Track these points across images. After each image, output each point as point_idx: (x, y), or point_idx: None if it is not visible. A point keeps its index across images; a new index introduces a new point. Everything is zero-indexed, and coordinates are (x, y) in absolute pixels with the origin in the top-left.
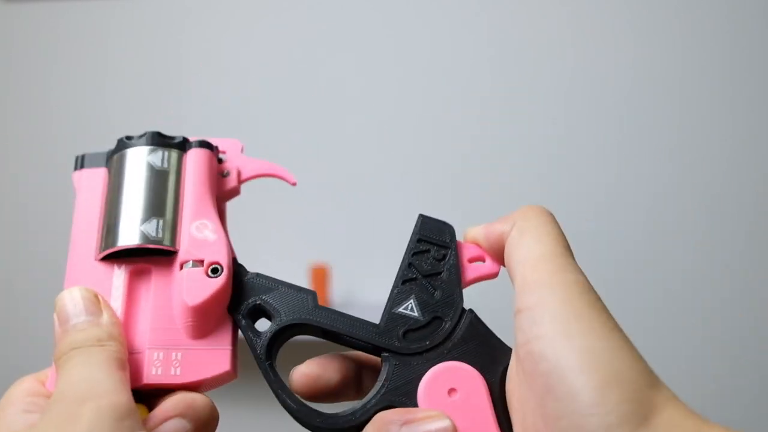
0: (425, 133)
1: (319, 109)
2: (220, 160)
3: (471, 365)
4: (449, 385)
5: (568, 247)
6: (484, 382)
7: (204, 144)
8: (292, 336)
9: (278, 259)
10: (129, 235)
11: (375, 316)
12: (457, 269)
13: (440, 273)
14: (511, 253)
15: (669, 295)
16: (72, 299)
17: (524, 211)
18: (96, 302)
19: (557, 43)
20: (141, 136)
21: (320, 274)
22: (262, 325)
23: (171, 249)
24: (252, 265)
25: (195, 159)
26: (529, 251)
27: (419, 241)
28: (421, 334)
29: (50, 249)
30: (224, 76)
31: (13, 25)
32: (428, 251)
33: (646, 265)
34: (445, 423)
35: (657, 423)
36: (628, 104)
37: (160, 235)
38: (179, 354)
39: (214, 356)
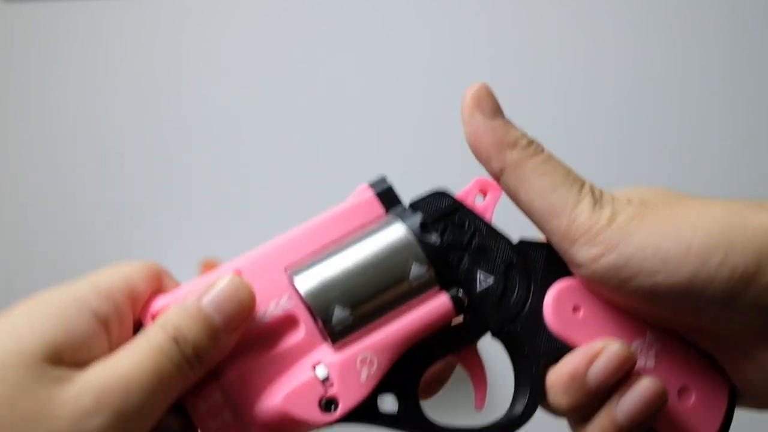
0: (425, 133)
1: (319, 109)
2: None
3: (565, 277)
4: (569, 307)
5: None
6: (582, 283)
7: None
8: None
9: None
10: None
11: None
12: (481, 220)
13: (474, 233)
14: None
15: None
16: (233, 292)
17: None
18: (242, 314)
19: (557, 44)
20: (439, 233)
21: None
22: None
23: (333, 344)
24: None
25: (430, 311)
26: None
27: (434, 223)
28: (510, 290)
29: (50, 249)
30: (224, 76)
31: (13, 25)
32: (447, 226)
33: None
34: (614, 345)
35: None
36: (629, 104)
37: (342, 324)
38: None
39: None
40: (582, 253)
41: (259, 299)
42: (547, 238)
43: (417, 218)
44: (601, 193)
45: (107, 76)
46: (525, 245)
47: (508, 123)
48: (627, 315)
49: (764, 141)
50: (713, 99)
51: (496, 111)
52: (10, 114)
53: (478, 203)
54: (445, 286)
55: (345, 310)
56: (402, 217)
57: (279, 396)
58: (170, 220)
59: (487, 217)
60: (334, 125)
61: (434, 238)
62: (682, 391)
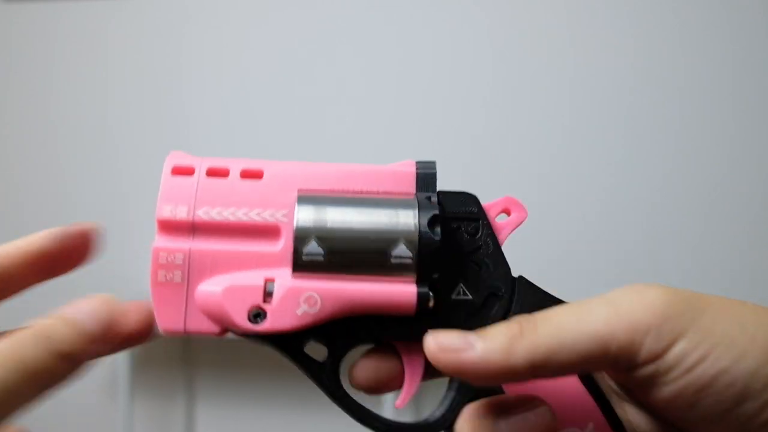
0: (425, 133)
1: (319, 109)
2: None
3: None
4: None
5: None
6: None
7: None
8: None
9: None
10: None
11: None
12: (494, 238)
13: (480, 247)
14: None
15: None
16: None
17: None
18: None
19: (558, 44)
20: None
21: None
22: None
23: (293, 271)
24: None
25: (392, 293)
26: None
27: (449, 219)
28: (483, 315)
29: None
30: (224, 76)
31: (13, 25)
32: (459, 228)
33: (647, 267)
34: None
35: None
36: (630, 105)
37: (310, 258)
38: None
39: None
40: (648, 351)
41: (264, 201)
42: (616, 367)
43: (432, 210)
44: (624, 290)
45: (107, 75)
46: (522, 283)
47: (490, 336)
48: (581, 401)
49: (765, 141)
50: (713, 98)
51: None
52: (10, 114)
53: (500, 221)
54: (421, 280)
55: (319, 248)
56: (421, 203)
57: (222, 286)
58: None
59: (501, 236)
60: (333, 125)
61: (438, 233)
62: None
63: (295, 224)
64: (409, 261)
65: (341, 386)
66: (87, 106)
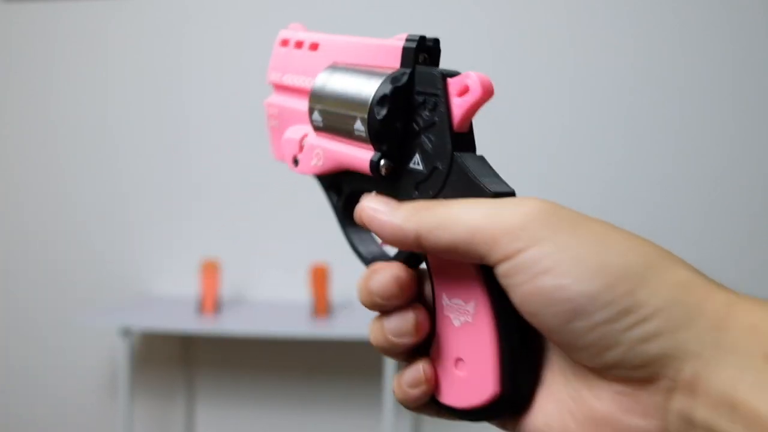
0: None
1: None
2: None
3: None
4: None
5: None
6: None
7: None
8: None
9: (278, 262)
10: None
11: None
12: (446, 115)
13: (434, 123)
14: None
15: None
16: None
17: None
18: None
19: (558, 44)
20: None
21: (320, 274)
22: None
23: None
24: (252, 262)
25: (355, 157)
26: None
27: (417, 94)
28: (427, 185)
29: (50, 249)
30: (224, 76)
31: (13, 25)
32: (424, 103)
33: None
34: (391, 272)
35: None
36: (630, 104)
37: (315, 124)
38: None
39: None
40: (501, 250)
41: (312, 71)
42: (477, 255)
43: (386, 89)
44: (522, 197)
45: (107, 75)
46: (459, 163)
47: (398, 204)
48: (471, 280)
49: (765, 142)
50: (713, 98)
51: (389, 203)
52: (10, 114)
53: (458, 100)
54: (376, 149)
55: (319, 117)
56: (386, 79)
57: (287, 135)
58: (170, 220)
59: (455, 114)
60: None
61: (382, 112)
62: (459, 361)
63: (310, 92)
64: (364, 135)
65: (345, 222)
66: (87, 106)
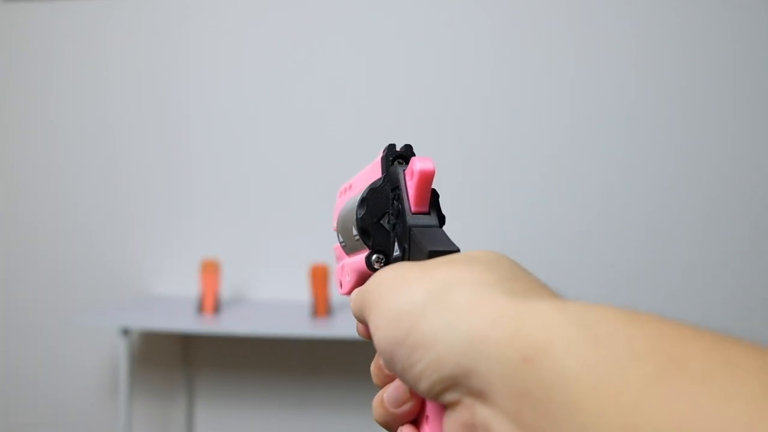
0: (425, 133)
1: (318, 109)
2: None
3: None
4: None
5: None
6: None
7: None
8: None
9: (278, 262)
10: None
11: None
12: (405, 200)
13: (399, 210)
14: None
15: (669, 296)
16: None
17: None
18: None
19: (558, 44)
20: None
21: (320, 274)
22: None
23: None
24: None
25: (358, 261)
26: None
27: (391, 191)
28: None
29: (50, 249)
30: (224, 76)
31: (13, 25)
32: (395, 198)
33: (647, 265)
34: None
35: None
36: (630, 104)
37: (341, 245)
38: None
39: None
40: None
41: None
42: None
43: (365, 192)
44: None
45: (107, 75)
46: (415, 231)
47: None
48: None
49: (765, 142)
50: (713, 98)
51: None
52: (10, 113)
53: (411, 183)
54: (369, 244)
55: (340, 238)
56: (366, 189)
57: (342, 260)
58: (170, 220)
59: (411, 198)
60: (332, 125)
61: (361, 212)
62: None
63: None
64: (358, 237)
65: None
66: (87, 106)
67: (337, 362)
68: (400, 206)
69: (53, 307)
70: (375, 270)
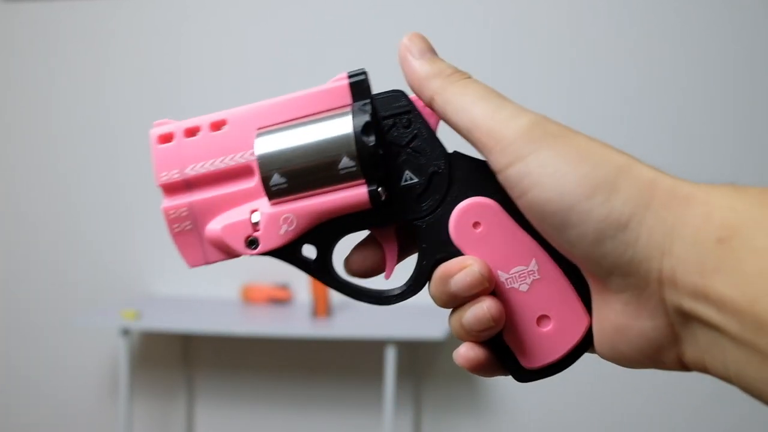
0: None
1: None
2: None
3: (480, 195)
4: (470, 221)
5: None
6: (497, 204)
7: None
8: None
9: (278, 261)
10: None
11: (378, 312)
12: (426, 125)
13: (415, 137)
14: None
15: None
16: None
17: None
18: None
19: (558, 44)
20: None
21: None
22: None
23: (269, 200)
24: (252, 262)
25: (348, 197)
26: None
27: (384, 119)
28: (430, 192)
29: (50, 249)
30: (224, 76)
31: (13, 25)
32: (395, 124)
33: None
34: (476, 267)
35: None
36: (630, 104)
37: (277, 188)
38: None
39: None
40: (494, 161)
41: (233, 146)
42: (477, 150)
43: (365, 117)
44: (521, 109)
45: (108, 75)
46: (458, 157)
47: (433, 58)
48: (522, 243)
49: (765, 142)
50: (713, 98)
51: (424, 51)
52: (10, 113)
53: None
54: (370, 180)
55: (282, 178)
56: (354, 112)
57: (221, 224)
58: None
59: (432, 121)
60: None
61: (372, 139)
62: (542, 318)
63: (257, 160)
64: (354, 169)
65: (331, 273)
66: (87, 106)
67: (337, 362)
68: (416, 131)
69: (53, 308)
70: (380, 203)
